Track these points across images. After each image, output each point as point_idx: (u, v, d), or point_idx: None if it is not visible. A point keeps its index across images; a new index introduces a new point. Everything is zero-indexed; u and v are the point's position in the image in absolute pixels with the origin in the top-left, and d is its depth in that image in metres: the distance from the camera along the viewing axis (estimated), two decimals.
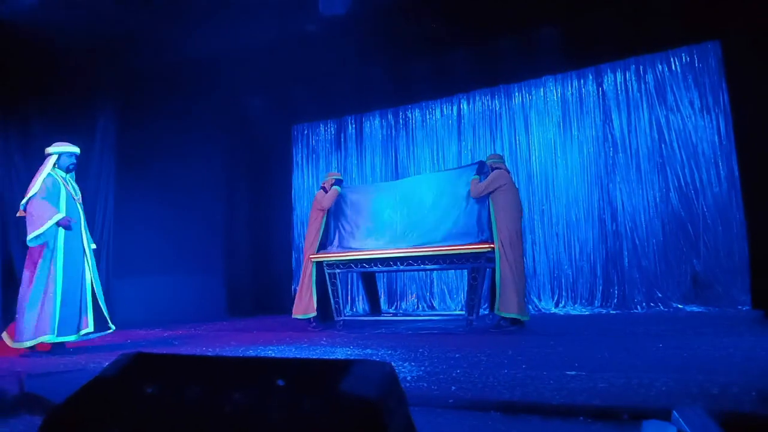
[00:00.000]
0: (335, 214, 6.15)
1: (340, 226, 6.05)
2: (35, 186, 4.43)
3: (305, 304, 5.80)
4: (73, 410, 1.15)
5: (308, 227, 6.14)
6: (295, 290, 9.07)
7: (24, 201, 4.46)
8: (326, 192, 6.04)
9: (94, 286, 4.62)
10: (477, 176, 5.42)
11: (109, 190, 7.38)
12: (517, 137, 7.93)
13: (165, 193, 7.95)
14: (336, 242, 6.01)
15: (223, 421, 1.04)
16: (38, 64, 6.58)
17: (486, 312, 5.83)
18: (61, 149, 4.67)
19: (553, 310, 7.22)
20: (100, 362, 3.60)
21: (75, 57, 6.69)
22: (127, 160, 7.53)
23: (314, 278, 5.86)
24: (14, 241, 6.53)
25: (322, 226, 6.01)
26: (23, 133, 6.72)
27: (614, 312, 6.79)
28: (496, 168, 5.30)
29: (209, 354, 3.89)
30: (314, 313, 5.76)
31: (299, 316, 5.83)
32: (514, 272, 4.93)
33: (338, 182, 6.18)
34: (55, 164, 4.62)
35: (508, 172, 5.37)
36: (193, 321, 7.55)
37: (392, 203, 5.90)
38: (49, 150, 4.68)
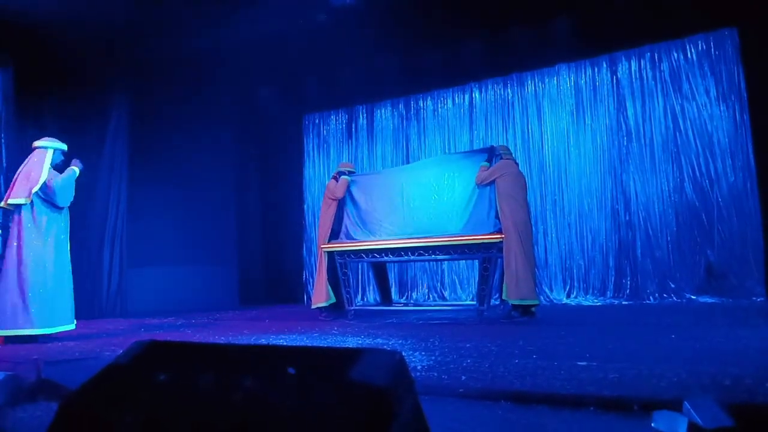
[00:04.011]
0: (342, 203, 6.14)
1: (348, 216, 6.05)
2: (43, 174, 4.57)
3: (321, 293, 5.82)
4: (87, 397, 1.17)
5: (320, 217, 6.14)
6: (308, 279, 9.18)
7: (35, 189, 4.53)
8: (337, 182, 6.04)
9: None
10: (486, 163, 5.40)
11: (122, 181, 7.45)
12: (529, 126, 7.86)
13: (177, 184, 8.01)
14: (344, 232, 6.01)
15: (235, 408, 1.05)
16: (51, 57, 6.64)
17: (497, 302, 5.82)
18: (56, 145, 4.83)
19: (565, 300, 7.19)
20: (114, 350, 3.65)
21: (87, 49, 6.74)
22: (140, 151, 7.59)
23: (327, 267, 5.87)
24: None
25: (335, 215, 6.01)
26: (37, 126, 6.78)
27: (626, 303, 6.75)
28: (503, 158, 5.34)
29: (221, 342, 3.93)
30: (333, 300, 5.79)
31: (317, 305, 5.85)
32: (518, 259, 4.93)
33: (349, 172, 6.18)
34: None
35: (516, 164, 5.39)
36: (206, 310, 7.62)
37: (399, 190, 5.82)
38: (45, 143, 4.79)
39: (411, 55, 8.11)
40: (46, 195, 4.59)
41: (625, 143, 7.21)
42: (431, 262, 8.02)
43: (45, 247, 4.54)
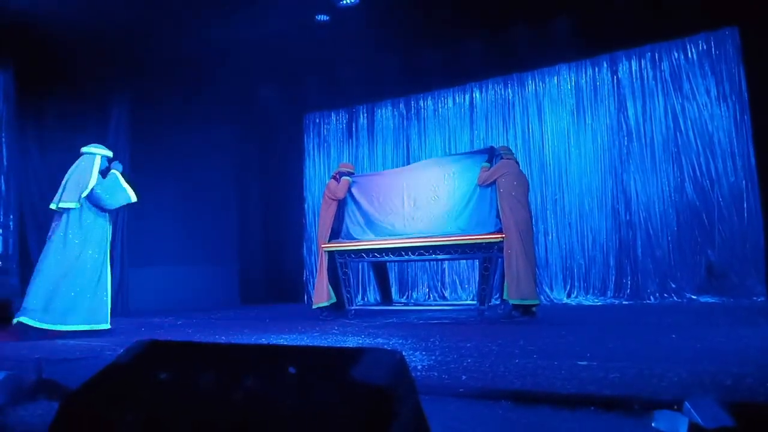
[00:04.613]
0: (343, 203, 6.14)
1: (348, 215, 6.05)
2: (92, 182, 4.79)
3: (322, 293, 5.82)
4: (88, 396, 1.17)
5: (320, 216, 6.14)
6: (308, 279, 9.18)
7: (85, 193, 4.76)
8: (338, 182, 6.04)
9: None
10: (487, 164, 5.40)
11: None
12: (530, 126, 7.86)
13: (178, 184, 8.02)
14: (344, 232, 6.01)
15: (235, 407, 1.05)
16: (51, 57, 6.63)
17: (498, 302, 5.82)
18: (103, 152, 5.06)
19: (565, 300, 7.19)
20: (115, 349, 3.65)
21: (87, 49, 6.74)
22: (140, 151, 7.59)
23: (327, 267, 5.87)
24: (31, 228, 6.63)
25: (335, 215, 6.01)
26: (38, 126, 6.79)
27: (627, 302, 6.75)
28: (504, 158, 5.35)
29: (222, 342, 3.93)
30: (333, 300, 5.79)
31: (318, 305, 5.85)
32: (519, 259, 4.93)
33: (349, 173, 6.18)
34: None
35: (517, 163, 5.41)
36: (207, 309, 7.62)
37: (400, 190, 5.82)
38: (93, 150, 5.00)
39: (411, 54, 8.11)
40: (94, 200, 4.83)
41: (625, 143, 7.21)
42: (432, 262, 8.02)
43: (85, 247, 4.73)
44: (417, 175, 5.89)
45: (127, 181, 5.08)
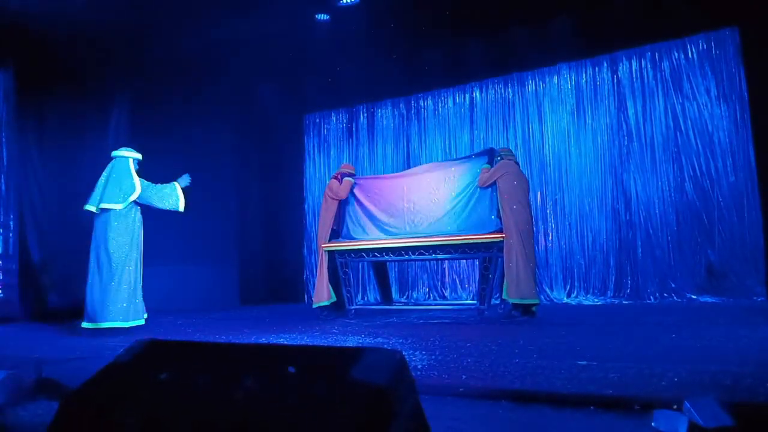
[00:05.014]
0: (343, 203, 6.15)
1: (349, 216, 6.05)
2: (138, 188, 5.03)
3: (322, 292, 5.82)
4: (88, 395, 1.17)
5: (321, 216, 6.14)
6: (308, 279, 9.18)
7: (131, 198, 4.99)
8: (340, 182, 6.04)
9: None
10: (487, 165, 5.42)
11: None
12: (530, 126, 7.86)
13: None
14: (344, 233, 6.02)
15: (235, 406, 1.05)
16: (51, 57, 6.63)
17: (498, 302, 5.82)
18: (134, 155, 5.26)
19: (566, 300, 7.19)
20: (115, 349, 3.65)
21: (87, 49, 6.74)
22: (140, 151, 7.58)
23: (327, 266, 5.88)
24: (31, 228, 6.63)
25: (335, 215, 6.02)
26: (38, 126, 6.79)
27: (627, 302, 6.75)
28: (504, 159, 5.36)
29: (222, 341, 3.93)
30: (334, 299, 5.79)
31: (318, 304, 5.85)
32: (519, 258, 4.93)
33: (350, 174, 6.19)
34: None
35: (517, 164, 5.41)
36: (207, 309, 7.62)
37: (401, 193, 5.86)
38: (125, 153, 5.20)
39: (411, 54, 8.11)
40: (144, 201, 5.09)
41: (625, 143, 7.21)
42: (432, 262, 8.02)
43: (125, 247, 4.95)
44: (418, 179, 5.91)
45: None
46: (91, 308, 4.78)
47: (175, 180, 5.30)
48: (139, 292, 5.01)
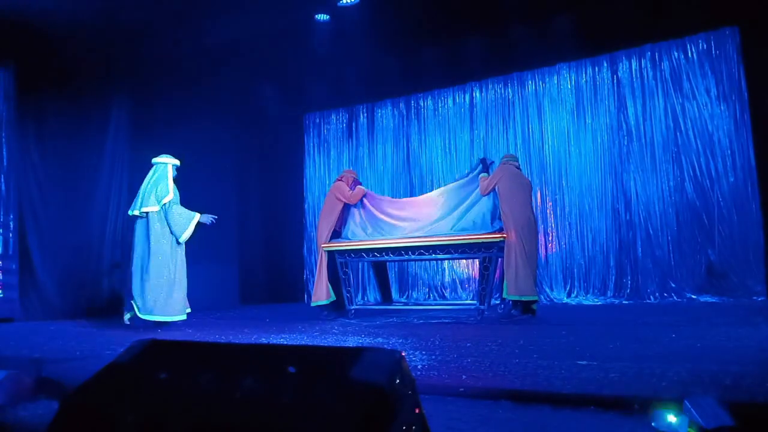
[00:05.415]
0: (348, 206, 6.15)
1: (351, 218, 6.05)
2: (171, 192, 5.32)
3: (321, 291, 5.82)
4: (88, 395, 1.17)
5: (324, 215, 6.08)
6: (308, 278, 9.18)
7: (164, 203, 5.27)
8: (349, 187, 6.04)
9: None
10: (485, 173, 5.45)
11: (123, 180, 7.46)
12: (530, 125, 7.86)
13: (178, 183, 8.00)
14: (345, 233, 6.01)
15: (235, 406, 1.05)
16: (52, 56, 6.63)
17: (498, 302, 5.82)
18: (174, 162, 5.54)
19: (566, 300, 7.19)
20: (115, 349, 3.65)
21: (87, 49, 6.74)
22: (140, 150, 7.57)
23: (327, 266, 5.87)
24: (31, 228, 6.63)
25: (338, 216, 6.01)
26: (38, 126, 6.78)
27: (627, 302, 6.75)
28: (503, 163, 5.39)
29: (222, 341, 3.93)
30: (333, 298, 5.79)
31: (316, 303, 5.85)
32: (519, 258, 4.94)
33: (358, 181, 6.22)
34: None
35: (518, 168, 5.41)
36: (207, 309, 7.61)
37: (404, 204, 6.07)
38: (164, 160, 5.48)
39: (411, 54, 8.11)
40: (164, 212, 5.32)
41: (625, 143, 7.21)
42: (432, 262, 8.02)
43: (166, 247, 5.28)
44: (421, 200, 6.06)
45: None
46: (136, 302, 5.15)
47: (200, 212, 5.51)
48: (177, 291, 5.27)
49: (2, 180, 6.45)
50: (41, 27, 6.25)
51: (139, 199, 5.36)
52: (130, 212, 5.42)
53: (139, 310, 5.15)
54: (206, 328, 5.27)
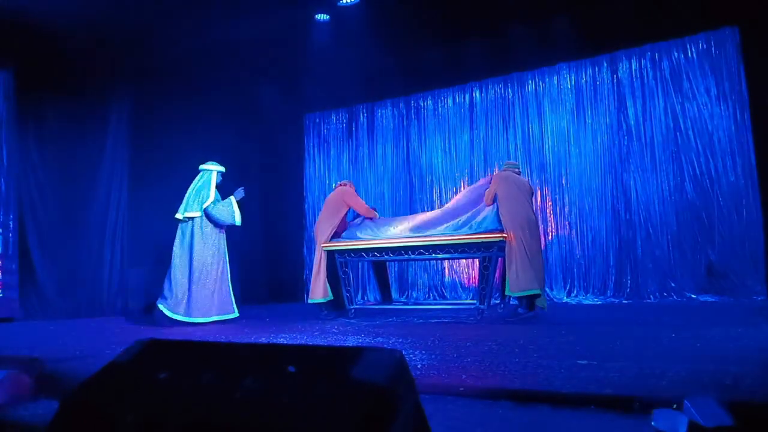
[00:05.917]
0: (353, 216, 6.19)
1: (355, 229, 6.05)
2: (212, 197, 5.64)
3: (318, 289, 5.81)
4: (88, 395, 1.17)
5: (327, 215, 6.05)
6: (308, 278, 9.16)
7: (205, 207, 5.58)
8: (358, 194, 6.14)
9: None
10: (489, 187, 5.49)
11: (123, 180, 7.46)
12: (530, 125, 7.86)
13: (178, 183, 7.99)
14: (345, 234, 6.00)
15: (235, 406, 1.05)
16: (52, 57, 6.62)
17: (498, 302, 5.82)
18: (219, 168, 5.86)
19: (565, 299, 7.19)
20: (115, 348, 3.65)
21: (87, 49, 6.74)
22: (140, 150, 7.59)
23: (326, 266, 5.87)
24: (31, 228, 6.63)
25: (342, 220, 6.01)
26: (38, 126, 6.79)
27: (627, 302, 6.75)
28: (503, 169, 5.46)
29: (222, 341, 3.93)
30: (330, 297, 5.78)
31: (313, 300, 5.85)
32: (519, 257, 4.94)
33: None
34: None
35: (517, 174, 5.45)
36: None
37: (408, 220, 6.04)
38: (210, 167, 5.82)
39: (411, 54, 8.11)
40: (206, 214, 5.62)
41: (625, 142, 7.21)
42: (432, 262, 8.02)
43: (208, 251, 5.57)
44: (427, 213, 6.06)
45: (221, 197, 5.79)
46: (174, 303, 5.38)
47: (232, 194, 5.74)
48: (220, 294, 5.57)
49: (2, 180, 6.45)
50: (41, 27, 6.24)
51: (184, 204, 5.65)
52: (175, 215, 5.68)
53: (169, 310, 5.35)
54: (206, 327, 5.27)
